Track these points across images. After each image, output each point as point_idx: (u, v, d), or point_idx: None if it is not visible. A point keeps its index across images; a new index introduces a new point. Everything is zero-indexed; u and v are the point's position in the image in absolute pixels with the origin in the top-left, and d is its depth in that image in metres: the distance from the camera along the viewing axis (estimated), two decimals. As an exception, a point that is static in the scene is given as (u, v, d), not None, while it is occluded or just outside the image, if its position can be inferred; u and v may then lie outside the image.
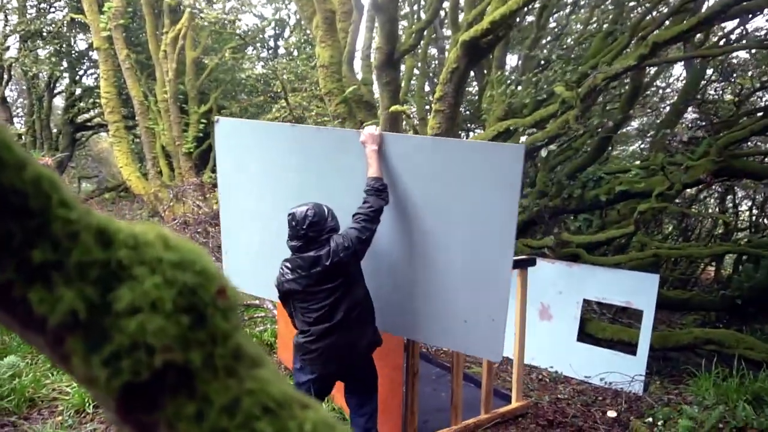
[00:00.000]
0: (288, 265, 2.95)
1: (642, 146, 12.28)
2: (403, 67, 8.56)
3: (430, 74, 11.18)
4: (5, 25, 15.03)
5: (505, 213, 2.92)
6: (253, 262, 3.82)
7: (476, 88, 10.66)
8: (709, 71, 8.53)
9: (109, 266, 0.27)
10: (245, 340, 0.30)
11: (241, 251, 3.89)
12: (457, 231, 3.03)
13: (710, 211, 12.49)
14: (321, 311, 2.89)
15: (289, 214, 2.93)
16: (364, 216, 2.89)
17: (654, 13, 5.91)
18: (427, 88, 11.24)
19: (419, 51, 8.48)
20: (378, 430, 3.23)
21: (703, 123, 7.91)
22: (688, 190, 7.87)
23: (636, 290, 5.78)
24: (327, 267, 2.83)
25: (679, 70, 10.54)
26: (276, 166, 3.57)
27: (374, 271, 3.17)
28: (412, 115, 6.41)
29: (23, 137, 16.24)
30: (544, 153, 4.98)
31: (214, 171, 12.87)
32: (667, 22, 5.34)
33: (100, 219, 0.28)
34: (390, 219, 3.16)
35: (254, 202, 3.70)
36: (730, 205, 11.85)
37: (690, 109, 9.01)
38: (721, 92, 9.61)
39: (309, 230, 2.85)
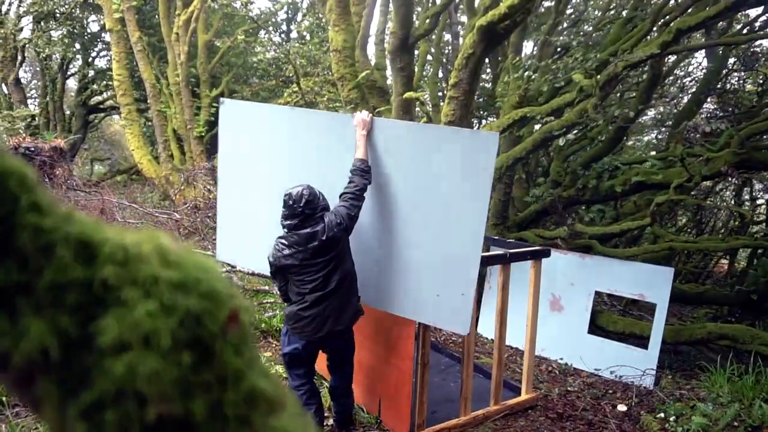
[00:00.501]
0: (284, 241, 3.20)
1: (659, 137, 12.06)
2: (416, 53, 8.42)
3: (444, 60, 11.01)
4: (19, 6, 15.02)
5: (477, 197, 3.14)
6: (246, 237, 4.02)
7: (490, 75, 10.48)
8: (731, 60, 8.30)
9: (92, 288, 0.21)
10: (261, 377, 0.24)
11: (236, 226, 4.09)
12: (432, 212, 3.29)
13: (725, 203, 12.27)
14: (316, 282, 3.19)
15: (286, 195, 3.19)
16: (351, 195, 3.20)
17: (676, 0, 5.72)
18: (440, 74, 11.08)
19: (433, 36, 8.33)
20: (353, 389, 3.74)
21: (723, 114, 7.72)
22: (706, 182, 7.70)
23: (649, 283, 5.68)
24: (323, 241, 3.12)
25: (698, 58, 10.29)
26: (273, 146, 3.78)
27: (356, 249, 3.43)
28: (425, 102, 6.31)
29: (37, 118, 16.30)
30: (561, 142, 4.85)
31: (224, 155, 12.85)
32: (690, 9, 5.16)
33: (83, 227, 0.22)
34: (372, 199, 3.41)
35: (250, 180, 3.91)
36: (746, 197, 11.63)
37: (709, 99, 8.79)
38: (742, 82, 9.37)
39: (305, 208, 3.14)
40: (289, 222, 3.18)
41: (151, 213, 7.51)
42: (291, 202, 3.15)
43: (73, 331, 0.20)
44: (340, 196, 3.24)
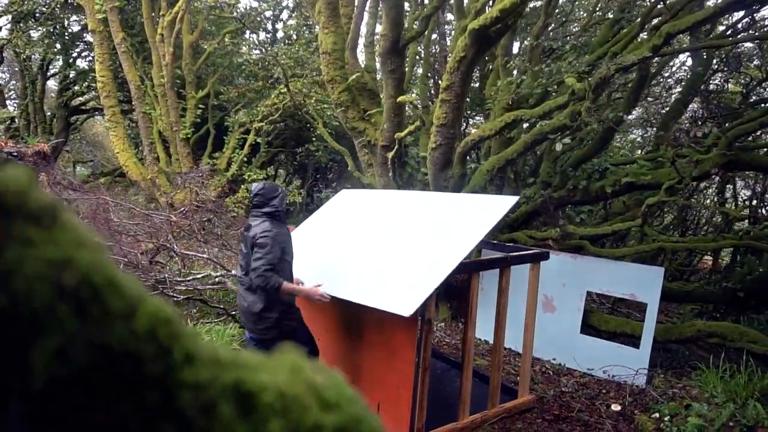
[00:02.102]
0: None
1: (644, 135, 12.21)
2: (406, 53, 8.40)
3: (432, 60, 11.00)
4: (-4, 6, 14.67)
5: (474, 235, 3.71)
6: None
7: (478, 75, 10.51)
8: (715, 61, 8.42)
9: (257, 447, 0.19)
10: None
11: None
12: (429, 241, 3.92)
13: (709, 201, 12.48)
14: (241, 270, 3.80)
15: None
16: (261, 266, 3.49)
17: (665, 2, 5.78)
18: (429, 75, 11.07)
19: (423, 37, 8.32)
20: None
21: (710, 115, 7.83)
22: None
23: (640, 283, 5.74)
24: (250, 237, 3.59)
25: (682, 58, 10.43)
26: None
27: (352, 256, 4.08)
28: (417, 105, 6.30)
29: (16, 120, 15.96)
30: (558, 147, 4.88)
31: (211, 157, 12.73)
32: (680, 11, 5.22)
33: (237, 371, 0.20)
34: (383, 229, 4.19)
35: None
36: (729, 195, 11.84)
37: (694, 99, 8.91)
38: (724, 83, 9.51)
39: (254, 198, 3.68)
40: (251, 208, 3.77)
41: (148, 214, 7.41)
42: (251, 193, 3.73)
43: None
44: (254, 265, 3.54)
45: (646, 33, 5.98)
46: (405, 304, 3.48)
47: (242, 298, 3.76)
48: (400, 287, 3.63)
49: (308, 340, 3.93)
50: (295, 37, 13.95)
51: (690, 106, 9.89)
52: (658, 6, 5.85)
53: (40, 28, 14.26)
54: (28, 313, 0.16)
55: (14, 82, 19.40)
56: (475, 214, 3.95)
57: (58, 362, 0.16)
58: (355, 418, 0.21)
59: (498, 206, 3.97)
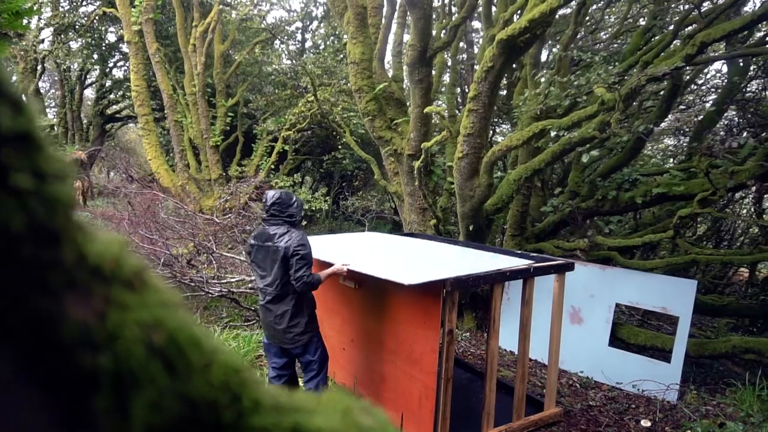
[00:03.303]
0: (255, 231, 3.95)
1: (675, 144, 11.94)
2: (433, 62, 8.43)
3: (460, 68, 11.00)
4: (39, 19, 15.29)
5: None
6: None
7: (505, 83, 10.46)
8: (752, 68, 8.19)
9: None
10: None
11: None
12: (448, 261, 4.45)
13: (746, 212, 12.09)
14: (264, 282, 3.83)
15: (265, 195, 3.83)
16: (304, 278, 3.61)
17: (699, 9, 5.67)
18: (455, 83, 11.06)
19: (450, 46, 8.34)
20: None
21: (747, 124, 7.61)
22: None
23: (672, 296, 5.60)
24: (276, 247, 3.64)
25: (717, 66, 10.17)
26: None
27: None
28: (445, 115, 6.31)
29: (55, 128, 16.56)
30: (585, 159, 4.81)
31: (239, 164, 12.97)
32: (716, 19, 5.11)
33: (294, 416, 0.23)
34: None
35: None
36: (767, 205, 11.44)
37: (730, 107, 8.67)
38: (762, 90, 9.24)
39: (272, 208, 3.69)
40: (264, 217, 3.76)
41: (194, 214, 7.68)
42: (265, 200, 3.73)
43: None
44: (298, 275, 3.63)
45: (679, 41, 5.87)
46: (411, 279, 3.53)
47: (266, 310, 3.78)
48: (419, 273, 3.71)
49: (324, 347, 4.05)
50: (323, 46, 14.14)
51: (728, 114, 9.64)
52: (693, 13, 5.75)
53: (79, 39, 14.80)
54: (128, 371, 0.18)
55: (54, 91, 20.15)
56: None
57: (153, 412, 0.18)
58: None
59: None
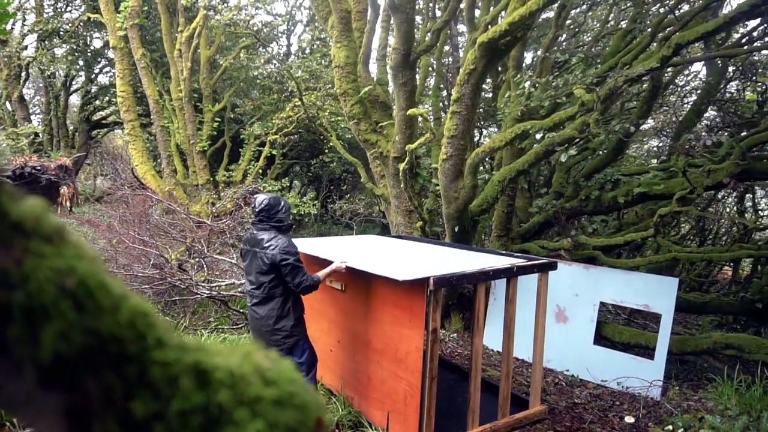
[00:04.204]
0: (246, 235, 4.12)
1: (659, 145, 12.12)
2: (417, 65, 8.50)
3: (445, 71, 11.09)
4: (23, 25, 15.19)
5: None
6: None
7: (491, 85, 10.57)
8: (730, 69, 8.36)
9: (209, 410, 0.25)
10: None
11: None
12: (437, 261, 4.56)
13: (728, 210, 12.30)
14: (251, 286, 3.90)
15: (253, 199, 3.93)
16: (299, 281, 3.68)
17: (675, 12, 5.79)
18: (441, 86, 11.15)
19: (434, 50, 8.42)
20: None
21: (725, 123, 7.76)
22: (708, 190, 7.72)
23: (654, 293, 5.70)
24: (264, 253, 3.66)
25: (698, 67, 10.36)
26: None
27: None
28: (428, 118, 6.37)
29: (40, 135, 16.42)
30: (563, 158, 4.89)
31: (227, 169, 12.95)
32: (689, 23, 5.22)
33: (196, 354, 0.26)
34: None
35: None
36: (749, 204, 11.66)
37: (710, 107, 8.84)
38: (741, 90, 9.43)
39: (260, 214, 3.72)
40: (253, 221, 3.84)
41: (188, 217, 7.70)
42: (254, 206, 3.79)
43: (198, 451, 0.24)
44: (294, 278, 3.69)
45: (656, 43, 5.99)
46: (403, 276, 3.63)
47: (254, 312, 3.82)
48: (405, 271, 3.81)
49: (312, 349, 4.09)
50: (309, 50, 14.18)
51: (708, 115, 9.81)
52: (669, 16, 5.87)
53: (63, 45, 14.71)
54: (39, 306, 0.22)
55: (39, 97, 19.98)
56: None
57: (61, 342, 0.22)
58: (291, 393, 0.27)
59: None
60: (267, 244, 3.65)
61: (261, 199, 3.78)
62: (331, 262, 4.10)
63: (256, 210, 3.75)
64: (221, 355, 0.27)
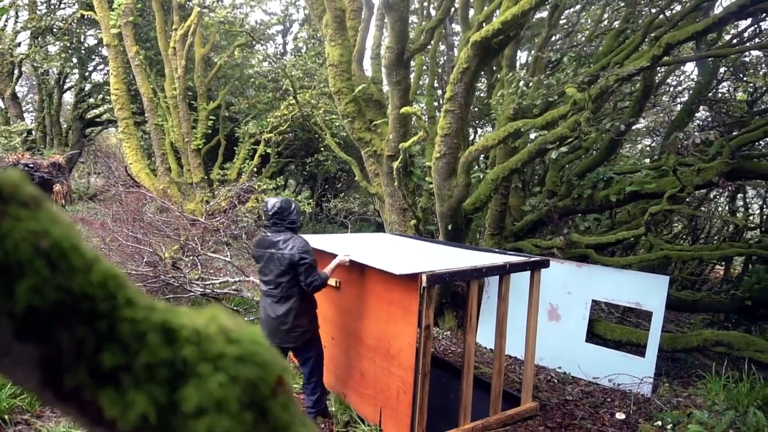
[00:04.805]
0: (257, 238, 4.17)
1: (652, 144, 12.20)
2: (412, 64, 8.53)
3: (440, 70, 11.13)
4: (16, 22, 15.11)
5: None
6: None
7: (485, 84, 10.61)
8: (722, 69, 8.43)
9: (175, 365, 0.27)
10: (302, 426, 0.30)
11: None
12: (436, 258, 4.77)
13: (720, 209, 12.40)
14: (268, 286, 4.02)
15: (265, 203, 3.99)
16: (311, 281, 3.83)
17: (667, 12, 5.84)
18: (436, 84, 11.19)
19: (429, 49, 8.45)
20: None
21: (715, 123, 7.83)
22: (699, 189, 7.80)
23: (645, 291, 5.75)
24: (281, 253, 3.81)
25: (690, 67, 10.44)
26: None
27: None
28: (422, 116, 6.40)
29: (33, 133, 16.34)
30: (554, 155, 4.93)
31: (222, 168, 12.93)
32: (681, 21, 5.27)
33: (164, 314, 0.28)
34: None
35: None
36: (741, 203, 11.76)
37: (701, 107, 8.91)
38: (733, 90, 9.51)
39: (274, 217, 3.86)
40: (265, 224, 3.96)
41: (182, 215, 7.71)
42: (266, 209, 3.90)
43: (164, 400, 0.26)
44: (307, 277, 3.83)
45: (646, 43, 6.04)
46: (401, 270, 3.77)
47: (272, 311, 3.93)
48: (401, 267, 3.89)
49: (321, 344, 4.26)
50: (304, 49, 14.18)
51: (700, 115, 9.88)
52: (661, 17, 5.91)
53: (57, 42, 14.64)
54: (15, 263, 0.24)
55: (32, 95, 19.89)
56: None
57: (34, 296, 0.24)
58: (253, 351, 0.29)
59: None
60: (284, 245, 3.80)
61: (273, 202, 3.91)
62: (334, 255, 4.21)
63: (270, 213, 3.88)
64: (189, 316, 0.29)
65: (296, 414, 0.30)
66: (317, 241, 5.24)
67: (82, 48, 15.73)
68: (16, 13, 15.02)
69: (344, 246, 4.95)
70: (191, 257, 7.04)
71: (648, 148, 12.50)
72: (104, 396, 0.26)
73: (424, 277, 3.67)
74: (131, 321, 0.27)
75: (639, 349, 6.02)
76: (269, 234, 3.92)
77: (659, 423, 4.25)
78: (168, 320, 0.28)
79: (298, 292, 3.88)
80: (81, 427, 0.27)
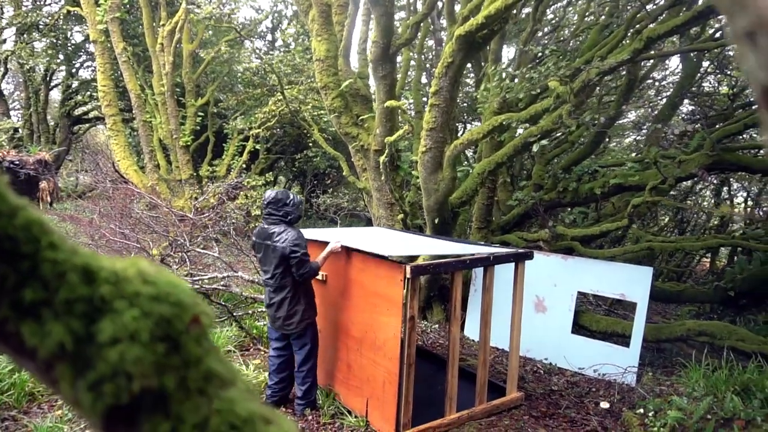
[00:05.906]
0: (257, 229, 4.23)
1: (638, 138, 12.32)
2: (399, 59, 8.55)
3: (427, 66, 11.16)
4: (1, 18, 14.94)
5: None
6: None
7: (473, 79, 10.65)
8: (705, 63, 8.53)
9: (93, 301, 0.30)
10: (217, 362, 0.34)
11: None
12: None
13: (706, 202, 12.55)
14: (267, 276, 4.16)
15: (264, 195, 4.11)
16: (303, 271, 3.97)
17: (649, 6, 5.90)
18: (424, 80, 11.23)
19: (416, 43, 8.47)
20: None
21: (698, 116, 7.93)
22: (685, 182, 7.90)
23: (630, 283, 5.83)
24: (275, 246, 3.94)
25: (675, 62, 10.54)
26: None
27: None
28: (408, 110, 6.43)
29: (20, 130, 16.18)
30: (535, 148, 4.99)
31: (211, 164, 12.89)
32: (662, 16, 5.35)
33: (86, 258, 0.32)
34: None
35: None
36: (726, 196, 11.91)
37: (686, 101, 9.02)
38: (716, 84, 9.62)
39: (269, 207, 3.98)
40: (263, 215, 4.07)
41: (171, 211, 7.72)
42: (264, 200, 4.02)
43: (81, 331, 0.30)
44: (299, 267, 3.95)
45: (629, 37, 6.10)
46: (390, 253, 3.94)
47: (269, 299, 4.13)
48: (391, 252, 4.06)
49: (317, 331, 4.40)
50: (293, 45, 14.15)
51: (686, 109, 9.99)
52: (642, 12, 5.97)
53: (43, 39, 14.50)
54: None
55: (18, 92, 19.68)
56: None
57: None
58: (168, 292, 0.32)
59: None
60: (278, 238, 3.91)
61: (269, 193, 4.04)
62: (326, 243, 4.31)
63: (264, 203, 4.00)
64: (110, 261, 0.33)
65: (210, 349, 0.33)
66: (310, 233, 5.29)
67: (69, 44, 15.59)
68: (1, 9, 14.86)
69: (336, 236, 5.01)
70: (180, 253, 7.04)
71: (635, 142, 12.62)
72: (25, 327, 0.29)
73: (408, 268, 3.72)
74: (53, 262, 0.30)
75: (624, 340, 6.10)
76: (266, 225, 4.03)
77: (641, 411, 4.33)
78: (88, 263, 0.31)
79: (292, 282, 4.00)
80: (6, 357, 0.31)
